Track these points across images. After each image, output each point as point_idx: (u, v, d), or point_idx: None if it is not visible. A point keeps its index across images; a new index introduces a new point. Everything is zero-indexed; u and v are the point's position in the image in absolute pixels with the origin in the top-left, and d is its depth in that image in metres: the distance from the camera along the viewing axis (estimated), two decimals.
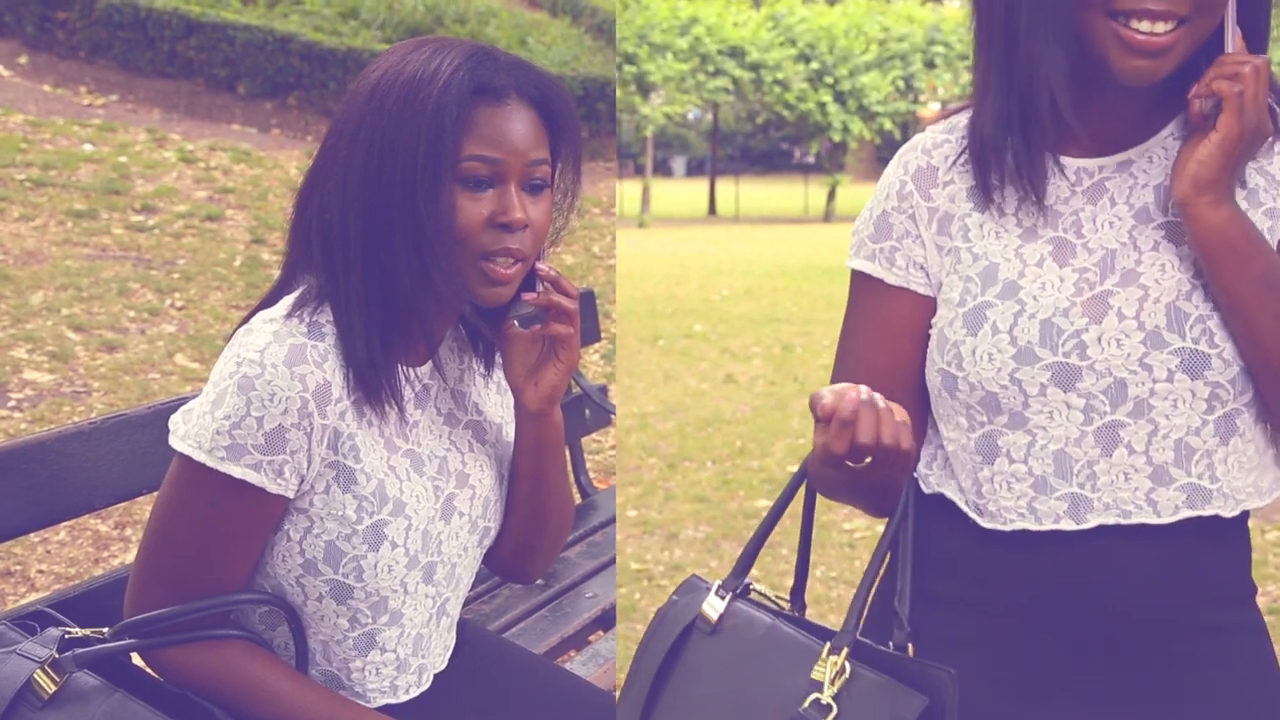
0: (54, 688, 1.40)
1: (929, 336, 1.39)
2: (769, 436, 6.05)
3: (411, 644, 1.54)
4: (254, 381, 1.37)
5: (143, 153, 8.82)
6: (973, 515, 1.37)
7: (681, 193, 26.35)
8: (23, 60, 10.39)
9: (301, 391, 1.38)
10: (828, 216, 21.39)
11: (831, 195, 21.77)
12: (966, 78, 20.88)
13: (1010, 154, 1.33)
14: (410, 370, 1.51)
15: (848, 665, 1.30)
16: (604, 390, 3.28)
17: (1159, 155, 1.35)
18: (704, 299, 10.95)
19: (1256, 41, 1.30)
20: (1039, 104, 1.30)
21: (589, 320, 3.27)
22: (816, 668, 1.31)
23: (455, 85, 1.38)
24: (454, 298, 1.45)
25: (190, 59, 10.43)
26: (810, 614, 1.54)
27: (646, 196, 20.49)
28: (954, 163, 1.39)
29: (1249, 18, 1.29)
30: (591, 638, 2.59)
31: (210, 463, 1.38)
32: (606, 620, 2.60)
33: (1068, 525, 1.32)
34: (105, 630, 1.46)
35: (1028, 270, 1.34)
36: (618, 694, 1.56)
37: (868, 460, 1.18)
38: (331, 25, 11.06)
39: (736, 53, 20.96)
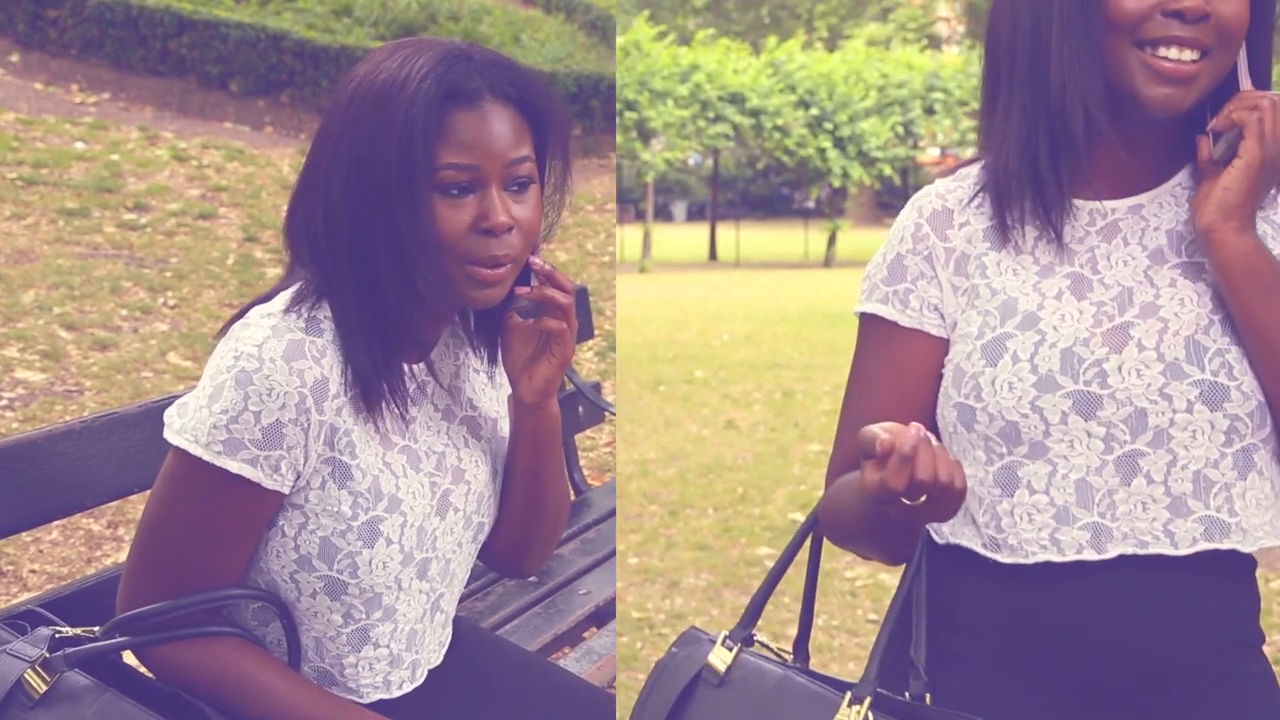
0: (45, 687, 1.40)
1: (941, 378, 1.39)
2: (770, 483, 6.02)
3: (405, 639, 1.54)
4: (252, 376, 1.37)
5: (135, 151, 8.81)
6: (989, 554, 1.36)
7: (682, 238, 26.40)
8: (14, 58, 10.37)
9: (299, 387, 1.38)
10: (828, 261, 21.47)
11: (831, 240, 21.85)
12: (966, 123, 21.08)
13: (1030, 189, 1.35)
14: (407, 367, 1.51)
15: (870, 715, 1.30)
16: (597, 387, 3.28)
17: (1168, 202, 1.38)
18: (705, 344, 10.89)
19: (1260, 88, 1.35)
20: (1072, 127, 1.31)
21: (583, 317, 3.26)
22: (838, 719, 1.31)
23: (424, 94, 1.37)
24: (441, 304, 1.44)
25: (182, 56, 10.41)
26: (811, 663, 1.54)
27: (647, 242, 20.55)
28: (968, 204, 1.41)
29: (1253, 66, 1.35)
30: (585, 634, 2.58)
31: (207, 457, 1.38)
32: (600, 617, 2.60)
33: (1090, 555, 1.32)
34: (96, 629, 1.46)
35: (1047, 303, 1.35)
36: (614, 690, 1.55)
37: (922, 498, 1.18)
38: (324, 23, 11.05)
39: (737, 99, 21.07)
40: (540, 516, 1.64)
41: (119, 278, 6.50)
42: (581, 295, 3.28)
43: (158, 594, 1.43)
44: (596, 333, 6.23)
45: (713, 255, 23.85)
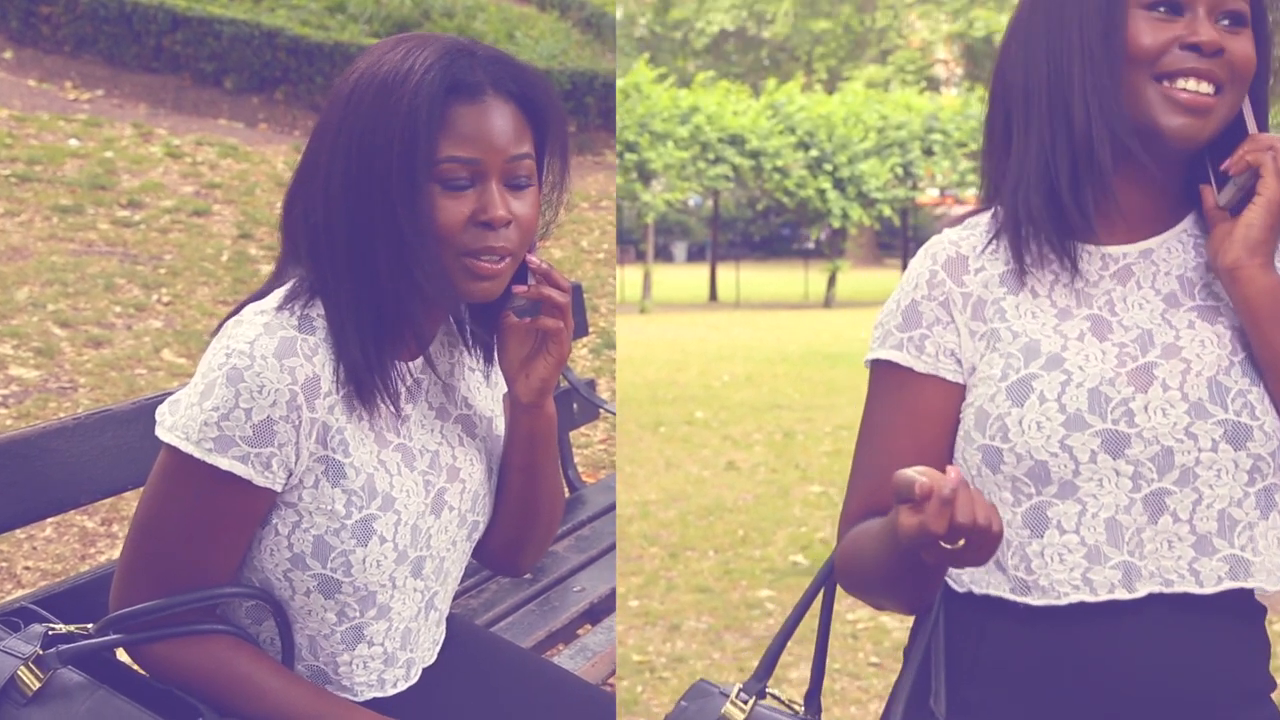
0: (38, 684, 1.40)
1: (956, 424, 1.39)
2: (771, 525, 5.96)
3: (400, 638, 1.54)
4: (243, 373, 1.37)
5: (129, 147, 8.79)
6: (1018, 598, 1.36)
7: (682, 278, 26.27)
8: (7, 55, 10.35)
9: (290, 384, 1.38)
10: (828, 302, 21.43)
11: (831, 281, 21.81)
12: (965, 164, 21.13)
13: (1050, 224, 1.36)
14: (402, 365, 1.50)
15: None
16: (592, 384, 3.28)
17: (1176, 247, 1.40)
18: (705, 385, 10.81)
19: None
20: (1099, 155, 1.33)
21: (578, 314, 3.26)
22: None
23: (427, 86, 1.37)
24: (440, 298, 1.44)
25: (176, 53, 10.39)
26: None
27: (648, 282, 20.53)
28: (983, 251, 1.41)
29: (1254, 114, 1.38)
30: (580, 631, 2.58)
31: (198, 454, 1.37)
32: (594, 614, 2.60)
33: (1121, 595, 1.33)
34: (90, 627, 1.46)
35: (1070, 344, 1.36)
36: (611, 686, 1.55)
37: (961, 542, 1.18)
38: (319, 19, 11.03)
39: (736, 141, 21.05)
40: (535, 515, 1.64)
41: (113, 275, 6.50)
42: (576, 293, 3.27)
43: (151, 591, 1.42)
44: (591, 329, 6.22)
45: (713, 296, 23.80)
